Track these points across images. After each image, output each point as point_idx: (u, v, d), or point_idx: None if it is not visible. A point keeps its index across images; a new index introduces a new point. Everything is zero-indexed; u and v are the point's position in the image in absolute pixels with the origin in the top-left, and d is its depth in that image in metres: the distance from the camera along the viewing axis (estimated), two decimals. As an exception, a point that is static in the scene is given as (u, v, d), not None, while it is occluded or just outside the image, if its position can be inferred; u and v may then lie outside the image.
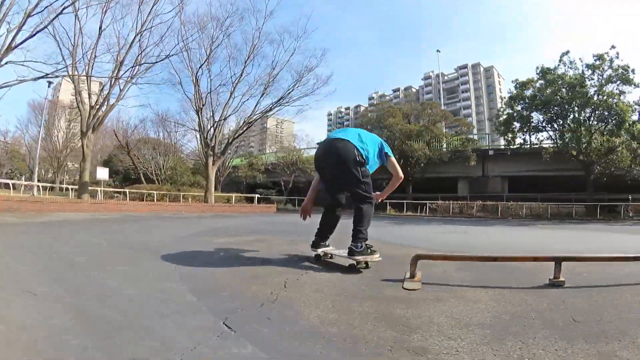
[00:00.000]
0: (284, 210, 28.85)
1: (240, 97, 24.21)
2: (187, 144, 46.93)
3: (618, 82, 27.24)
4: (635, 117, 27.70)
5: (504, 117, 31.77)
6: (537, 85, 29.98)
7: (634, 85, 27.09)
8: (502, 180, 37.38)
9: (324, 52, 24.98)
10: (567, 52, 29.04)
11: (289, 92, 23.96)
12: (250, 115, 24.30)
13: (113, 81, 18.51)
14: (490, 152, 36.06)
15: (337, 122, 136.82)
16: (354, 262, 3.86)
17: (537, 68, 30.16)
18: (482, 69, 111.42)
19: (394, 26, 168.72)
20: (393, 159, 4.55)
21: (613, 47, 27.37)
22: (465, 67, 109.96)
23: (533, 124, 30.51)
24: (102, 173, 20.13)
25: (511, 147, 32.64)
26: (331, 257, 4.45)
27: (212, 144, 23.76)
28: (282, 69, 24.19)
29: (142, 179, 30.49)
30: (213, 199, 23.68)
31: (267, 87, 23.96)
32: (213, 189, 23.85)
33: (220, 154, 24.95)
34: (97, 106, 18.47)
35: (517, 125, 30.97)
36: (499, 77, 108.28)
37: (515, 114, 30.81)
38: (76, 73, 17.38)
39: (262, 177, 40.63)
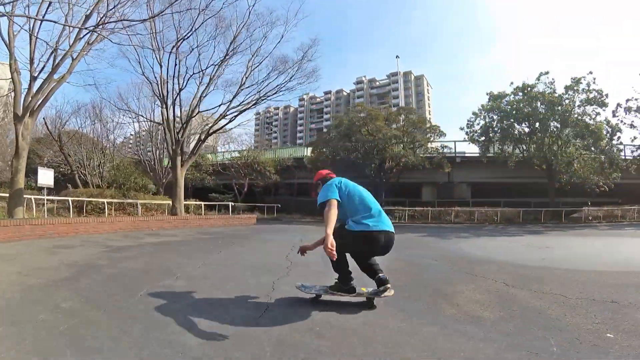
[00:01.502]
0: (269, 220, 24.47)
1: (213, 87, 19.45)
2: (125, 139, 39.85)
3: (594, 104, 29.14)
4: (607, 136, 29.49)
5: (479, 126, 31.72)
6: (514, 98, 30.35)
7: (617, 105, 29.97)
8: (467, 187, 36.77)
9: (314, 42, 20.56)
10: (547, 72, 30.03)
11: (283, 83, 19.61)
12: (226, 109, 19.44)
13: (71, 38, 12.71)
14: (458, 160, 34.40)
15: (266, 122, 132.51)
16: None
17: (512, 83, 31.22)
18: (412, 77, 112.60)
19: (325, 31, 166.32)
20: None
21: (590, 72, 29.07)
22: (396, 74, 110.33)
23: (516, 136, 30.53)
24: (45, 177, 13.54)
25: (487, 155, 31.87)
26: None
27: (181, 141, 18.60)
28: (263, 59, 19.75)
29: (78, 181, 24.11)
30: (183, 208, 18.48)
31: (246, 77, 19.35)
32: (182, 196, 18.57)
33: (191, 153, 19.62)
34: (42, 76, 12.68)
35: (496, 134, 30.89)
36: (428, 86, 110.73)
37: (494, 124, 30.81)
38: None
39: (211, 179, 35.20)
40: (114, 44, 17.62)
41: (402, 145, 31.99)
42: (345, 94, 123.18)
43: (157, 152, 31.24)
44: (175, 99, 18.43)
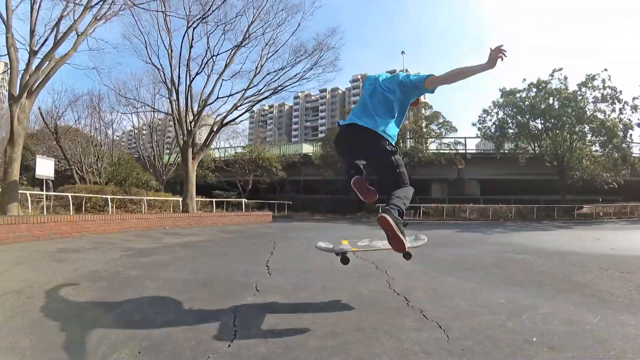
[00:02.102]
0: (280, 218, 22.54)
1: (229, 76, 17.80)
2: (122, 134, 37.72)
3: (609, 100, 28.77)
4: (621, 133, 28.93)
5: (493, 121, 31.10)
6: (528, 95, 29.82)
7: (624, 103, 29.03)
8: (477, 183, 35.85)
9: (333, 31, 18.77)
10: (561, 68, 29.44)
11: (302, 72, 17.97)
12: (241, 98, 17.64)
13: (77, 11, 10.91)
14: (469, 156, 33.22)
15: (260, 121, 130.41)
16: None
17: (524, 80, 30.31)
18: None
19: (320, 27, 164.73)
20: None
21: (605, 69, 28.62)
22: (393, 72, 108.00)
23: (533, 132, 29.89)
24: (45, 167, 11.56)
25: (501, 151, 31.12)
26: None
27: (193, 133, 16.80)
28: (278, 48, 18.02)
29: (76, 177, 22.15)
30: (195, 205, 16.71)
31: (261, 65, 17.66)
32: (194, 192, 16.78)
33: (203, 145, 17.81)
34: (42, 52, 10.81)
35: (511, 131, 30.31)
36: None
37: (509, 120, 30.27)
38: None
39: (214, 176, 33.32)
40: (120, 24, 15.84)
41: (414, 141, 30.70)
42: (340, 92, 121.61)
43: (158, 147, 29.32)
44: (189, 86, 16.66)
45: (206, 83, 17.25)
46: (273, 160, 32.87)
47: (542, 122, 29.52)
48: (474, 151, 34.46)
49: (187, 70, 16.50)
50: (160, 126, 33.62)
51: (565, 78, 29.32)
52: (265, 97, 18.34)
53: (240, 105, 17.59)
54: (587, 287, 4.27)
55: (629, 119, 29.41)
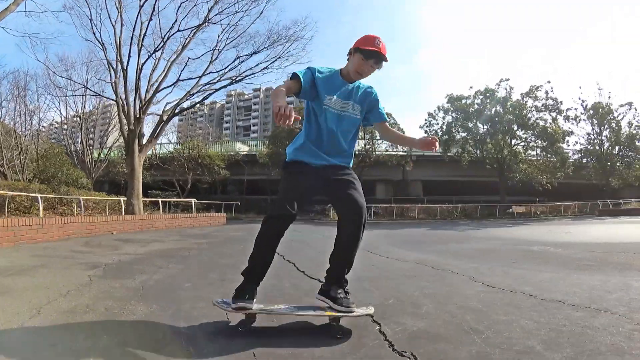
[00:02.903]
0: (230, 220, 19.50)
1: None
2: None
3: (552, 110, 31.13)
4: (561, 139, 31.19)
5: (437, 125, 32.09)
6: (474, 101, 31.09)
7: (563, 114, 32.68)
8: (421, 184, 36.26)
9: (298, 23, 17.02)
10: (508, 79, 31.22)
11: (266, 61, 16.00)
12: (196, 84, 15.50)
13: None
14: (413, 158, 32.79)
15: (190, 118, 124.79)
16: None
17: (471, 87, 34.07)
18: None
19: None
20: None
21: (549, 82, 31.23)
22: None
23: (481, 136, 30.94)
24: None
25: (448, 154, 31.52)
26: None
27: (142, 122, 14.39)
28: (238, 35, 15.93)
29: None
30: (142, 206, 14.31)
31: (219, 50, 15.65)
32: (141, 190, 14.27)
33: (151, 136, 15.19)
34: None
35: (458, 135, 31.44)
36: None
37: (458, 124, 31.28)
38: None
39: (149, 174, 30.26)
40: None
41: (363, 143, 29.85)
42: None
43: (88, 141, 26.02)
44: (141, 68, 14.27)
45: (155, 66, 14.92)
46: (216, 158, 30.41)
47: (488, 127, 30.61)
48: (419, 153, 34.36)
49: (138, 50, 14.14)
50: (92, 117, 30.16)
51: (512, 88, 30.97)
52: (224, 86, 16.30)
53: (195, 94, 15.50)
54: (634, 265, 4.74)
55: (569, 128, 32.67)
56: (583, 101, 34.09)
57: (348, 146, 2.65)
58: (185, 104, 16.49)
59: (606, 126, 33.84)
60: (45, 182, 17.81)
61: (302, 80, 2.42)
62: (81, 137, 26.38)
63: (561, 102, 31.58)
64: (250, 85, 17.70)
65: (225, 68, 15.68)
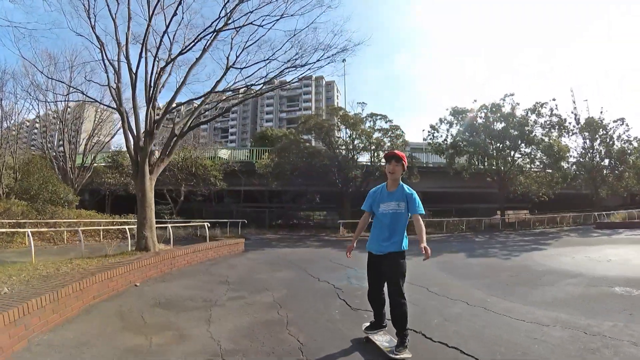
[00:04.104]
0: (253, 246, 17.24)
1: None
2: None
3: (557, 128, 30.89)
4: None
5: (444, 138, 31.02)
6: (479, 114, 30.47)
7: (569, 132, 33.00)
8: (421, 196, 33.64)
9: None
10: (512, 94, 30.77)
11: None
12: (212, 90, 13.08)
13: None
14: (415, 170, 31.17)
15: (168, 117, 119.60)
16: None
17: (475, 101, 33.28)
18: (324, 82, 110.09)
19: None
20: None
21: (554, 99, 31.30)
22: (309, 78, 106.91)
23: (488, 152, 29.95)
24: None
25: (453, 166, 30.33)
26: None
27: (155, 136, 11.72)
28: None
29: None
30: (156, 239, 11.67)
31: (237, 55, 13.20)
32: (154, 218, 11.66)
33: (163, 154, 12.23)
34: None
35: (465, 148, 30.05)
36: (337, 92, 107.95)
37: (464, 138, 30.25)
38: None
39: (138, 185, 27.17)
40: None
41: (370, 154, 28.11)
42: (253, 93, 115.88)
43: (70, 145, 22.97)
44: (159, 72, 11.69)
45: (170, 70, 12.38)
46: (212, 169, 27.72)
47: (496, 142, 29.86)
48: (423, 165, 33.00)
49: (157, 48, 11.58)
50: (73, 117, 27.07)
51: (517, 104, 30.29)
52: (250, 97, 13.91)
53: (209, 104, 13.07)
54: None
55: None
56: (576, 115, 34.61)
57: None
58: (198, 116, 13.91)
59: (598, 140, 34.38)
60: (28, 199, 14.94)
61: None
62: (63, 143, 23.31)
63: (565, 120, 31.88)
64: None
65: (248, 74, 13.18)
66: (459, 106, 30.76)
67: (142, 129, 11.82)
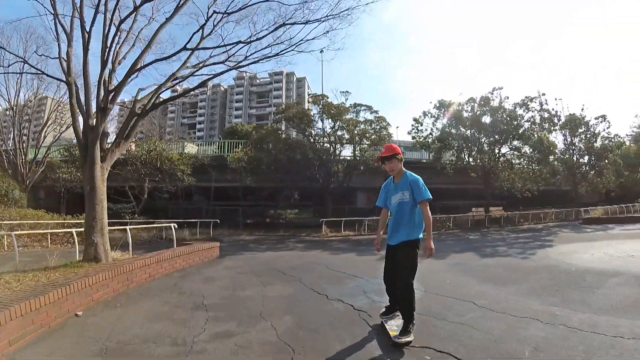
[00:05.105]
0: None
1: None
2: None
3: (547, 122, 30.17)
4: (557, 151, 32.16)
5: (430, 131, 29.59)
6: (465, 107, 29.22)
7: (557, 127, 32.47)
8: None
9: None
10: (501, 87, 29.23)
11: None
12: (183, 65, 10.66)
13: None
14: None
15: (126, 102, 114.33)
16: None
17: (461, 94, 31.72)
18: (295, 78, 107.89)
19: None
20: None
21: (543, 94, 30.03)
22: (280, 74, 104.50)
23: (479, 147, 28.89)
24: None
25: (440, 161, 29.41)
26: None
27: (108, 114, 9.32)
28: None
29: None
30: (109, 246, 8.92)
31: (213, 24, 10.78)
32: (106, 217, 8.98)
33: (120, 137, 9.42)
34: None
35: (455, 142, 29.18)
36: (308, 88, 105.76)
37: (452, 131, 28.92)
38: None
39: (96, 180, 24.20)
40: None
41: (352, 147, 26.09)
42: (222, 89, 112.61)
43: (21, 138, 20.00)
44: (119, 26, 9.18)
45: (122, 40, 9.88)
46: (179, 163, 24.98)
47: (485, 136, 28.75)
48: (412, 159, 31.97)
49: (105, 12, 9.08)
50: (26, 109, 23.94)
51: (507, 97, 29.31)
52: (222, 72, 11.49)
53: (176, 80, 10.64)
54: None
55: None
56: (557, 112, 33.86)
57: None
58: (166, 93, 11.49)
59: (580, 137, 34.56)
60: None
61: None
62: (13, 134, 20.34)
63: (555, 113, 31.79)
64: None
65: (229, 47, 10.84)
66: (445, 99, 29.61)
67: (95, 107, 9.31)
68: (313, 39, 11.63)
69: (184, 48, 10.24)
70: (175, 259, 9.18)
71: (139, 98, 10.19)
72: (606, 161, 33.99)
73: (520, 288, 6.45)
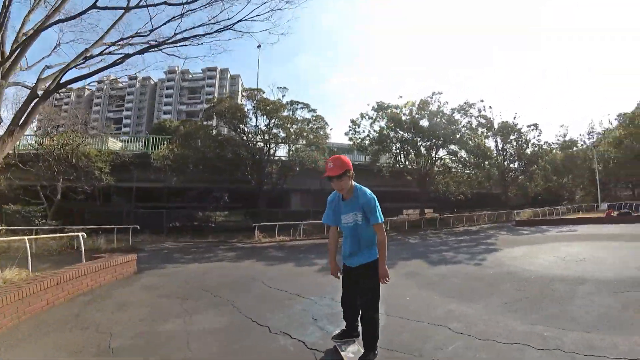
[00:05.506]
0: (139, 251, 12.31)
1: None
2: None
3: (484, 128, 32.78)
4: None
5: (367, 133, 30.04)
6: (404, 111, 29.59)
7: (492, 132, 35.14)
8: None
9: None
10: (441, 92, 30.31)
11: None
12: (97, 42, 9.41)
13: None
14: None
15: (55, 104, 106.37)
16: None
17: (400, 97, 32.62)
18: (229, 74, 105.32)
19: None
20: None
21: (482, 100, 32.44)
22: (214, 69, 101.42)
23: (418, 150, 29.56)
24: None
25: (376, 164, 29.85)
26: None
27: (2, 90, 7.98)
28: None
29: None
30: None
31: None
32: None
33: (15, 124, 8.36)
34: None
35: (394, 145, 29.73)
36: (242, 86, 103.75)
37: (390, 134, 29.30)
38: None
39: (3, 179, 21.48)
40: None
41: (288, 147, 25.48)
42: (152, 82, 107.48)
43: None
44: None
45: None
46: (97, 159, 22.93)
47: (423, 139, 29.27)
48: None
49: None
50: None
51: (446, 102, 30.56)
52: (139, 52, 10.36)
53: (91, 57, 9.44)
54: None
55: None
56: (490, 119, 35.69)
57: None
58: (75, 72, 10.17)
59: (512, 144, 37.01)
60: None
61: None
62: None
63: (492, 120, 34.10)
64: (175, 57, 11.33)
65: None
66: (384, 101, 29.87)
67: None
68: (254, 17, 10.88)
69: (94, 6, 9.03)
70: (81, 279, 7.79)
71: (43, 77, 8.91)
72: (536, 167, 36.46)
73: (491, 303, 6.02)
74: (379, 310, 3.80)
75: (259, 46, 55.38)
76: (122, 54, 10.01)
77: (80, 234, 10.68)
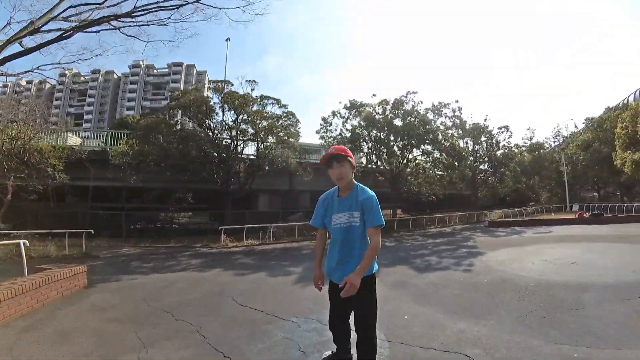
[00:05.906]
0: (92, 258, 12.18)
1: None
2: None
3: (458, 129, 33.67)
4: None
5: (339, 131, 29.54)
6: (377, 110, 29.01)
7: (466, 134, 36.16)
8: (309, 195, 31.98)
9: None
10: (416, 92, 29.97)
11: None
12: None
13: None
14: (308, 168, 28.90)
15: (12, 98, 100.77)
16: None
17: (374, 95, 32.87)
18: (195, 70, 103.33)
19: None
20: None
21: (457, 101, 34.24)
22: (180, 65, 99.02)
23: (393, 149, 29.12)
24: None
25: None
26: None
27: None
28: None
29: None
30: None
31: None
32: None
33: None
34: None
35: (367, 144, 29.32)
36: (209, 83, 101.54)
37: (364, 132, 28.83)
38: None
39: None
40: None
41: (257, 144, 24.41)
42: (116, 77, 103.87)
43: None
44: None
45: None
46: (50, 155, 21.24)
47: (397, 139, 28.92)
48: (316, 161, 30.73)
49: None
50: None
51: (421, 102, 30.32)
52: (98, 21, 9.18)
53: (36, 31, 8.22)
54: None
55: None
56: (462, 120, 36.39)
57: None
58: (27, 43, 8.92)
59: (482, 145, 37.83)
60: None
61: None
62: None
63: (465, 122, 35.28)
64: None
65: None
66: (356, 99, 29.40)
67: None
68: None
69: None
70: (19, 298, 6.40)
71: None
72: (506, 168, 37.38)
73: (502, 319, 5.33)
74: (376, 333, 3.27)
75: (227, 39, 54.09)
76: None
77: (22, 241, 9.18)
